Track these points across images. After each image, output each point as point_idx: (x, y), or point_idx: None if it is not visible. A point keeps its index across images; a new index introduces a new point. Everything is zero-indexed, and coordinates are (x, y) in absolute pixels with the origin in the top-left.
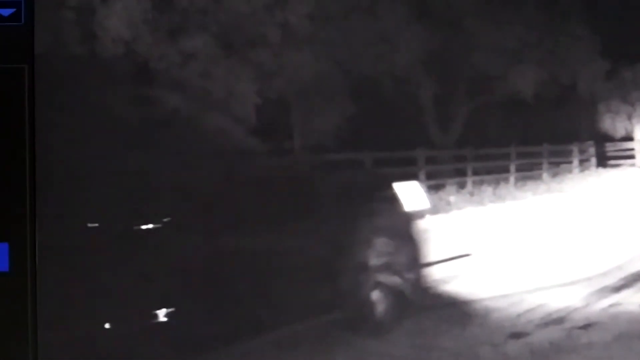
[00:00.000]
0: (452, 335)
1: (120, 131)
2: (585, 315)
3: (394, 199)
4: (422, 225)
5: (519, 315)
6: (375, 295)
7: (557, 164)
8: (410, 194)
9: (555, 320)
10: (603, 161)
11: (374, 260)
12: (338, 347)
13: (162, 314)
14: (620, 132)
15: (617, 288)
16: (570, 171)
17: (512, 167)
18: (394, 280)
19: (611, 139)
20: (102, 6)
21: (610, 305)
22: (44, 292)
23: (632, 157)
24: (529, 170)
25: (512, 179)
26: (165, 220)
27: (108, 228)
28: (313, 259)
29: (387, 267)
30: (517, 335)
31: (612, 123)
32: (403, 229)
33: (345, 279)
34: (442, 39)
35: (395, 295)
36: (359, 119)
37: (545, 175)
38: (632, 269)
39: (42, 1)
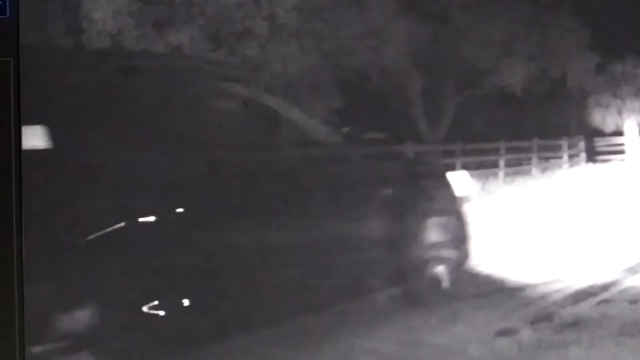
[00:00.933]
0: (440, 331)
1: (107, 124)
2: (573, 312)
3: (446, 185)
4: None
5: (507, 312)
6: (439, 270)
7: (547, 159)
8: (459, 181)
9: (544, 317)
10: (593, 156)
11: (433, 239)
12: (326, 344)
13: (154, 310)
14: (610, 127)
15: (606, 285)
16: (559, 166)
17: (502, 162)
18: (451, 254)
19: (601, 133)
20: None
21: (599, 303)
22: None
23: (621, 152)
24: (518, 165)
25: (501, 174)
26: (154, 216)
27: (96, 224)
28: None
29: (445, 245)
30: (505, 332)
31: (602, 118)
32: (454, 211)
33: (410, 256)
34: (431, 32)
35: (453, 269)
36: (347, 112)
37: (534, 171)
38: (621, 265)
39: None
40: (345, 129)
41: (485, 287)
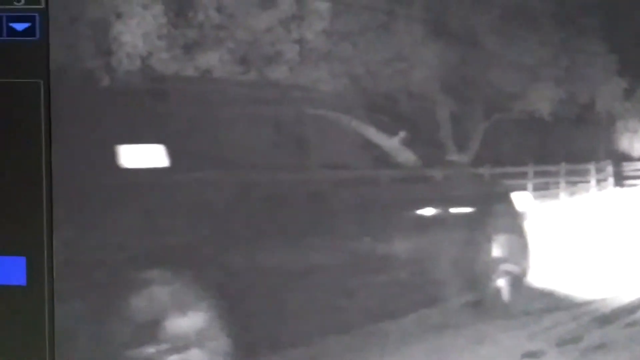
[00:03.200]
0: (468, 352)
1: (136, 146)
2: (600, 335)
3: (510, 205)
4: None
5: (534, 334)
6: (501, 282)
7: (574, 183)
8: (522, 200)
9: (570, 340)
10: (620, 181)
11: (496, 253)
12: None
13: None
14: (638, 151)
15: (633, 308)
16: (587, 190)
17: (530, 186)
18: (514, 268)
19: (629, 158)
20: (117, 21)
21: (626, 325)
22: (61, 306)
23: None
24: (545, 189)
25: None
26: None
27: (126, 243)
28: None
29: (507, 259)
30: (532, 354)
31: (630, 142)
32: (517, 228)
33: (477, 268)
34: (459, 57)
35: (516, 282)
36: (376, 136)
37: (562, 195)
38: None
39: (56, 16)
40: (402, 134)
41: (511, 310)
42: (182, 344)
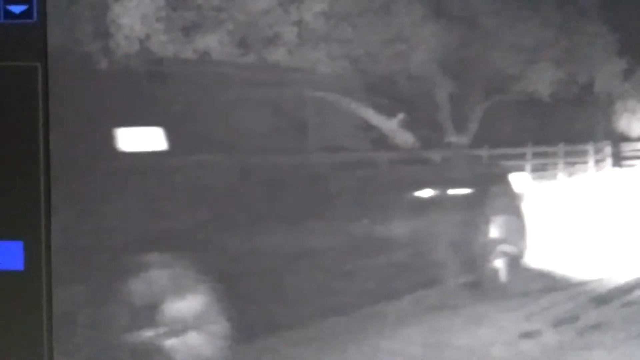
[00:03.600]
0: (466, 333)
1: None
2: (596, 315)
3: (508, 186)
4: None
5: (532, 314)
6: (499, 263)
7: (573, 164)
8: (521, 182)
9: (567, 320)
10: (619, 161)
11: (494, 234)
12: (351, 346)
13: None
14: (636, 132)
15: (629, 288)
16: (585, 171)
17: (528, 167)
18: (512, 249)
19: (627, 139)
20: (115, 3)
21: (622, 305)
22: (59, 290)
23: None
24: (544, 170)
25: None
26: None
27: (125, 229)
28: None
29: (505, 240)
30: (529, 334)
31: (629, 123)
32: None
33: (475, 249)
34: (458, 38)
35: (514, 263)
36: (375, 118)
37: (560, 175)
38: None
39: None
40: (401, 116)
41: (509, 290)
42: (180, 327)
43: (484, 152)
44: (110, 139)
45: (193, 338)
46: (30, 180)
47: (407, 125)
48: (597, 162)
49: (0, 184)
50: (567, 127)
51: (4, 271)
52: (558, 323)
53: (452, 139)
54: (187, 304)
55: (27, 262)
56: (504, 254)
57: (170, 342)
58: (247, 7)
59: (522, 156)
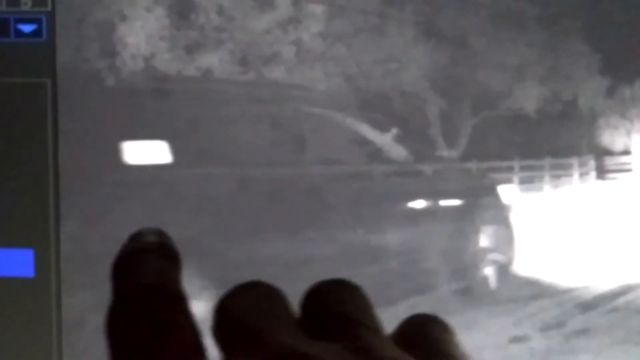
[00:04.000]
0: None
1: (140, 143)
2: (583, 321)
3: (497, 198)
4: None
5: (520, 320)
6: (488, 271)
7: (559, 176)
8: (508, 194)
9: (554, 325)
10: (602, 174)
11: (484, 243)
12: None
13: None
14: (619, 146)
15: (613, 295)
16: (570, 183)
17: (516, 179)
18: (501, 258)
19: (610, 153)
20: (122, 23)
21: (607, 311)
22: (68, 297)
23: (629, 170)
24: (530, 182)
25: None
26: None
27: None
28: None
29: (495, 249)
30: (518, 339)
31: (611, 138)
32: (504, 220)
33: (466, 258)
34: (448, 57)
35: (503, 271)
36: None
37: (546, 187)
38: (627, 276)
39: (63, 18)
40: (394, 130)
41: (498, 297)
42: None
43: (473, 165)
44: (116, 152)
45: None
46: (40, 191)
47: (400, 139)
48: (582, 175)
49: (11, 195)
50: (553, 142)
51: (15, 278)
52: (546, 328)
53: (443, 152)
54: (192, 310)
55: (37, 269)
56: (494, 262)
57: None
58: (248, 27)
59: (510, 169)
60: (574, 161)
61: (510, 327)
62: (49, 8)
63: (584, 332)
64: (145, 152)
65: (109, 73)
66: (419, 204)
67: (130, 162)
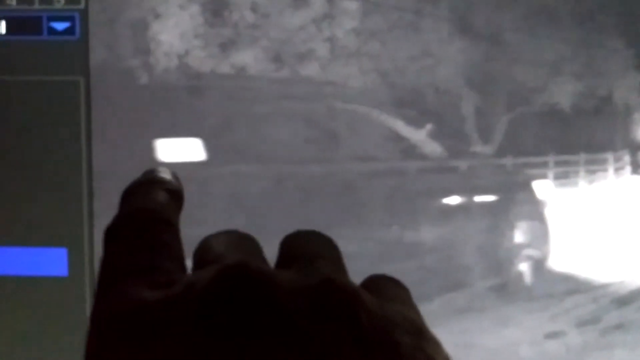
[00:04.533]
0: (492, 334)
1: (175, 141)
2: (618, 316)
3: (532, 193)
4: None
5: (556, 316)
6: (524, 266)
7: (593, 171)
8: (543, 189)
9: (590, 321)
10: (637, 169)
11: (519, 239)
12: None
13: None
14: None
15: None
16: (605, 178)
17: (550, 175)
18: (536, 253)
19: None
20: (155, 21)
21: None
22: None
23: None
24: (565, 177)
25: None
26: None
27: None
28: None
29: (530, 244)
30: (554, 334)
31: None
32: (539, 215)
33: (501, 254)
34: (483, 53)
35: (538, 266)
36: (404, 129)
37: (581, 183)
38: None
39: (96, 16)
40: (428, 127)
41: (533, 292)
42: None
43: (508, 161)
44: (150, 150)
45: None
46: (73, 190)
47: (434, 135)
48: (617, 169)
49: (45, 194)
50: (588, 137)
51: (49, 277)
52: (581, 324)
53: (478, 148)
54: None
55: (71, 268)
56: (529, 257)
57: None
58: (282, 25)
59: (544, 165)
60: (609, 156)
61: (545, 322)
62: (82, 6)
63: (619, 327)
64: (179, 150)
65: (142, 71)
66: (453, 200)
67: (163, 160)
